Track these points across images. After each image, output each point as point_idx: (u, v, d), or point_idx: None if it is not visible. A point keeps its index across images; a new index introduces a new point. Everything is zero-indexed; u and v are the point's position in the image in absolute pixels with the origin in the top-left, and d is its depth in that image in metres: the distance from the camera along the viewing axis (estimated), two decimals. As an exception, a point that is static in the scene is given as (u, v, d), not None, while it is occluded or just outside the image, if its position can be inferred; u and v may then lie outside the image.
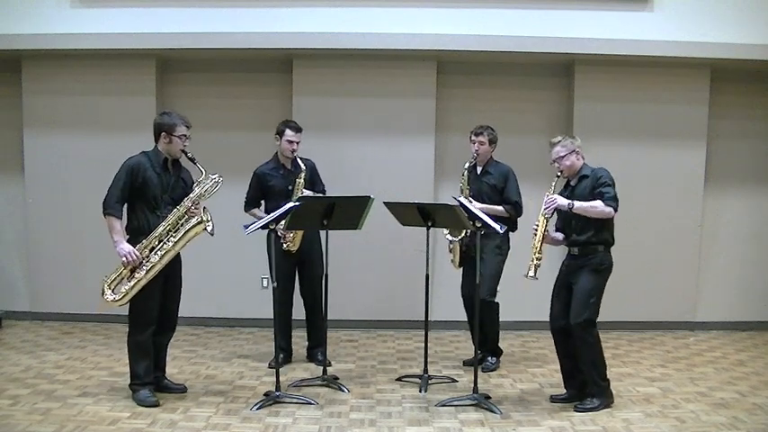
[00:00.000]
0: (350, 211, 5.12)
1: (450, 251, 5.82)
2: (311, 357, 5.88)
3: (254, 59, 7.11)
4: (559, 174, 4.74)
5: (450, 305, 6.81)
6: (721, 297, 7.34)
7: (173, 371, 5.31)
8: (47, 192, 7.10)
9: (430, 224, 5.10)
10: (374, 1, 6.85)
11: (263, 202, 5.78)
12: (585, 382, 4.72)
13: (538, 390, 5.18)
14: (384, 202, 5.19)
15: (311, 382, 5.23)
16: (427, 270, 5.26)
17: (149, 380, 4.72)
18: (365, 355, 6.19)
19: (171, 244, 4.62)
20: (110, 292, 4.64)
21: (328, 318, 5.36)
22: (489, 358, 5.74)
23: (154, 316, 4.71)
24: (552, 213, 4.71)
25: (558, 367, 4.95)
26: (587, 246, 4.64)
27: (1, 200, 7.35)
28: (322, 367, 5.31)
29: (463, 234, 5.64)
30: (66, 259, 7.10)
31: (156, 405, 4.61)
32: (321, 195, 5.64)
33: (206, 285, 6.93)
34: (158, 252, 4.60)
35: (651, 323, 7.19)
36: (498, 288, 5.70)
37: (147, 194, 4.66)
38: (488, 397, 4.86)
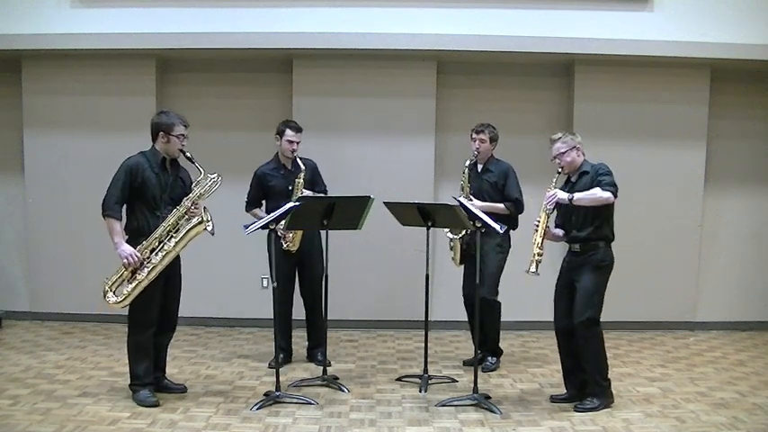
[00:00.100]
0: (350, 211, 5.12)
1: (451, 249, 5.82)
2: (311, 357, 5.88)
3: (254, 59, 7.11)
4: (560, 170, 4.75)
5: (450, 305, 6.81)
6: (721, 297, 7.34)
7: (173, 371, 5.30)
8: (47, 192, 7.10)
9: (430, 224, 5.10)
10: (374, 1, 6.85)
11: (264, 202, 5.79)
12: (586, 381, 4.72)
13: (538, 390, 5.18)
14: (384, 202, 5.19)
15: (311, 382, 5.23)
16: (427, 270, 5.26)
17: (149, 380, 4.72)
18: (365, 355, 6.19)
19: (172, 244, 4.61)
20: (111, 294, 4.63)
21: (328, 318, 5.36)
22: (489, 358, 5.74)
23: (154, 317, 4.70)
24: (553, 209, 4.71)
25: (558, 367, 4.95)
26: (588, 242, 4.64)
27: (1, 200, 7.35)
28: (322, 367, 5.31)
29: (464, 232, 5.64)
30: (66, 259, 7.10)
31: (156, 405, 4.61)
32: (321, 195, 5.64)
33: (206, 285, 6.93)
34: (159, 253, 4.59)
35: (651, 323, 7.19)
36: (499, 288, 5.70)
37: (146, 195, 4.65)
38: (488, 397, 4.86)
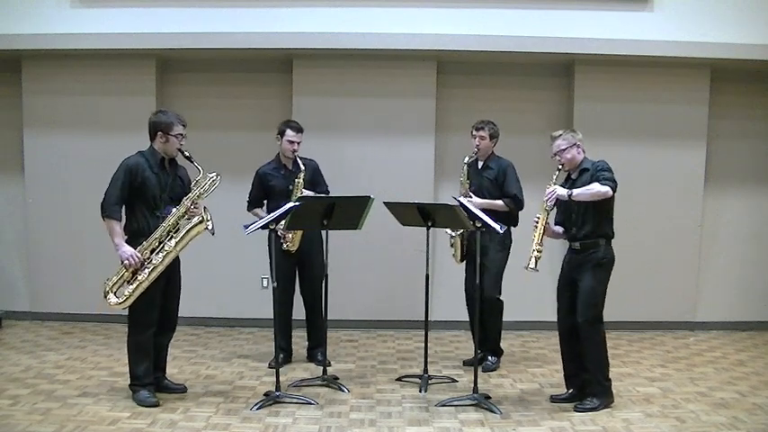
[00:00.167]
0: (350, 211, 5.11)
1: (452, 246, 5.81)
2: (311, 357, 5.88)
3: (254, 59, 7.11)
4: (560, 167, 4.75)
5: (450, 305, 6.82)
6: (721, 297, 7.34)
7: (173, 371, 5.30)
8: (47, 192, 7.10)
9: (430, 224, 5.10)
10: (374, 1, 6.85)
11: (266, 201, 5.79)
12: (586, 381, 4.72)
13: (538, 390, 5.18)
14: (384, 202, 5.19)
15: (311, 382, 5.23)
16: (427, 270, 5.26)
17: (149, 381, 4.72)
18: (365, 355, 6.19)
19: (172, 244, 4.60)
20: (113, 295, 4.61)
21: (328, 318, 5.36)
22: (490, 358, 5.74)
23: (154, 317, 4.70)
24: (553, 205, 4.71)
25: (558, 367, 4.95)
26: (588, 240, 4.64)
27: (1, 200, 7.35)
28: (322, 367, 5.31)
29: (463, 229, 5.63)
30: (66, 259, 7.10)
31: (155, 405, 4.61)
32: (321, 195, 5.64)
33: (206, 285, 6.93)
34: (159, 253, 4.58)
35: (651, 323, 7.19)
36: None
37: (146, 195, 4.64)
38: (488, 397, 4.86)
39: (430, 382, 5.21)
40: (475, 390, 4.76)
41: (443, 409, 4.68)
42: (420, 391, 5.07)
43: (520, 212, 5.67)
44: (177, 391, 4.93)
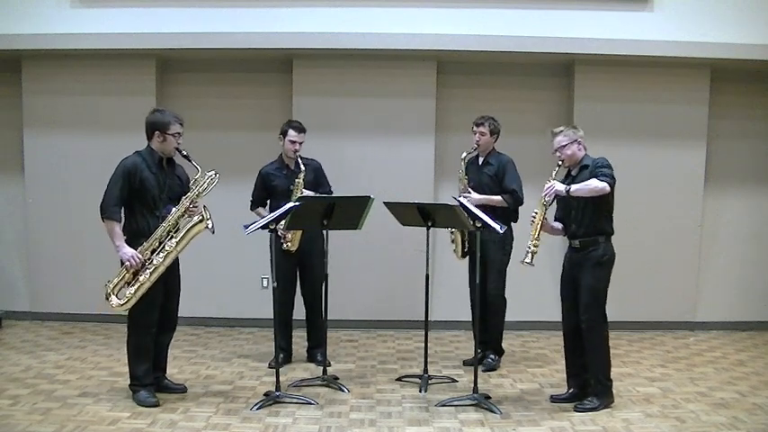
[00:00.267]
0: (350, 211, 5.11)
1: (452, 242, 5.81)
2: (311, 358, 5.88)
3: (254, 59, 7.11)
4: (560, 163, 4.75)
5: (450, 305, 6.83)
6: (721, 297, 7.34)
7: (173, 371, 5.30)
8: (47, 192, 7.10)
9: (430, 224, 5.10)
10: (374, 1, 6.85)
11: (269, 201, 5.79)
12: (587, 381, 4.72)
13: (538, 390, 5.18)
14: (384, 202, 5.19)
15: (311, 382, 5.23)
16: (427, 270, 5.26)
17: (149, 381, 4.71)
18: (365, 355, 6.19)
19: (173, 244, 4.59)
20: (114, 297, 4.60)
21: (328, 318, 5.36)
22: (491, 356, 5.73)
23: (154, 319, 4.69)
24: (552, 201, 4.71)
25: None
26: (587, 237, 4.64)
27: (1, 200, 7.35)
28: (322, 367, 5.30)
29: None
30: (66, 259, 7.10)
31: (155, 405, 4.61)
32: (321, 195, 5.64)
33: (206, 285, 6.93)
34: (160, 253, 4.58)
35: (651, 323, 7.19)
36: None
37: (145, 195, 4.62)
38: (488, 397, 4.86)
39: (430, 382, 5.21)
40: (475, 390, 4.76)
41: (443, 409, 4.68)
42: (420, 391, 5.07)
43: (520, 208, 5.65)
44: (177, 391, 4.93)
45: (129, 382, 4.76)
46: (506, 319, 5.80)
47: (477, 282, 4.96)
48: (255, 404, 4.67)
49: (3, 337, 6.64)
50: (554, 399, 4.88)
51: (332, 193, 5.82)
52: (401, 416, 4.57)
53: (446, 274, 6.90)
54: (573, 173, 4.78)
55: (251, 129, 7.13)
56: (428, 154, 7.10)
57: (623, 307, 6.68)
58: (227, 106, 7.20)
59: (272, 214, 4.89)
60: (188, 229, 4.64)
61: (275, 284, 4.90)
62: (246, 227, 4.71)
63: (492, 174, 5.67)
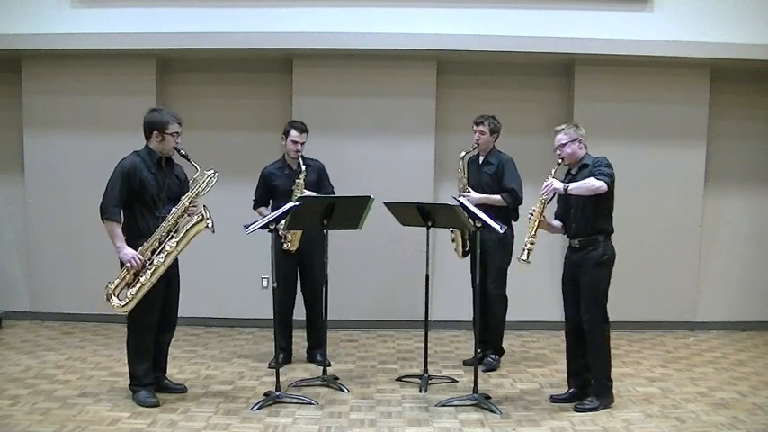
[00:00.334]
0: (350, 211, 5.11)
1: (453, 241, 5.80)
2: (311, 358, 5.88)
3: (254, 59, 7.11)
4: (560, 161, 4.74)
5: (450, 305, 6.83)
6: (721, 297, 7.34)
7: (173, 371, 5.30)
8: (47, 192, 7.10)
9: (430, 224, 5.10)
10: (374, 1, 6.85)
11: (271, 201, 5.80)
12: (588, 381, 4.72)
13: (538, 390, 5.18)
14: (384, 202, 5.19)
15: (311, 382, 5.23)
16: (427, 270, 5.26)
17: (149, 381, 4.71)
18: (365, 355, 6.19)
19: (173, 244, 4.59)
20: (115, 298, 4.59)
21: (328, 318, 5.36)
22: (491, 355, 5.73)
23: (154, 320, 4.69)
24: (551, 199, 4.71)
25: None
26: (587, 236, 4.64)
27: (1, 200, 7.35)
28: (322, 367, 5.30)
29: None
30: (66, 259, 7.10)
31: (155, 405, 4.61)
32: (321, 195, 5.64)
33: (206, 285, 6.94)
34: (161, 254, 4.57)
35: (651, 323, 7.19)
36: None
37: (144, 196, 4.61)
38: (488, 397, 4.86)
39: (430, 382, 5.21)
40: (475, 390, 4.76)
41: (443, 409, 4.68)
42: (420, 391, 5.07)
43: (520, 207, 5.63)
44: (177, 391, 4.93)
45: (129, 382, 4.76)
46: (507, 319, 5.79)
47: (478, 281, 4.96)
48: (255, 404, 4.67)
49: (3, 337, 6.65)
50: (554, 399, 4.88)
51: (334, 194, 5.82)
52: (401, 416, 4.57)
53: (446, 274, 6.90)
54: (573, 171, 4.78)
55: (251, 129, 7.13)
56: (428, 154, 7.10)
57: (623, 307, 6.67)
58: (227, 106, 7.20)
59: (271, 214, 4.90)
60: (188, 229, 4.64)
61: (275, 284, 4.90)
62: (246, 227, 4.71)
63: (492, 173, 5.67)
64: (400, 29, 6.74)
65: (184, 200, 4.67)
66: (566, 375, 4.92)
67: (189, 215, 4.67)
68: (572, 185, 4.56)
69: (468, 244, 5.69)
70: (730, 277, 7.37)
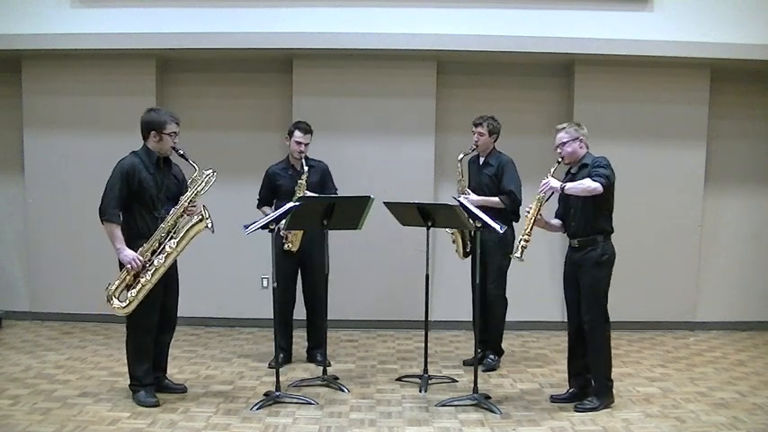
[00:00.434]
0: (350, 211, 5.11)
1: (453, 242, 5.80)
2: (311, 358, 5.88)
3: (254, 59, 7.11)
4: (560, 160, 4.74)
5: (450, 305, 6.83)
6: (721, 297, 7.34)
7: (173, 371, 5.30)
8: (47, 192, 7.10)
9: (430, 224, 5.10)
10: (374, 1, 6.85)
11: (275, 200, 5.80)
12: (588, 381, 4.72)
13: (538, 390, 5.18)
14: (384, 202, 5.19)
15: (311, 382, 5.23)
16: (427, 270, 5.26)
17: (149, 381, 4.71)
18: (365, 355, 6.19)
19: (173, 244, 4.58)
20: (116, 300, 4.58)
21: (328, 318, 5.36)
22: (491, 355, 5.73)
23: (154, 321, 4.68)
24: (548, 197, 4.70)
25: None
26: (586, 236, 4.63)
27: (1, 200, 7.35)
28: (322, 367, 5.30)
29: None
30: (66, 259, 7.10)
31: (155, 405, 4.61)
32: (321, 195, 5.64)
33: (206, 285, 6.94)
34: (161, 255, 4.56)
35: (651, 323, 7.19)
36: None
37: (143, 197, 4.60)
38: (488, 397, 4.86)
39: (430, 382, 5.21)
40: (475, 390, 4.76)
41: (443, 409, 4.68)
42: (420, 391, 5.07)
43: (518, 208, 5.60)
44: (177, 391, 4.93)
45: (129, 382, 4.76)
46: (507, 319, 5.79)
47: (478, 282, 4.96)
48: (255, 404, 4.67)
49: (3, 337, 6.65)
50: (554, 399, 4.88)
51: (336, 195, 5.81)
52: (401, 416, 4.57)
53: (446, 274, 6.90)
54: (572, 171, 4.77)
55: (251, 129, 7.13)
56: (428, 154, 7.10)
57: (623, 307, 6.66)
58: (227, 106, 7.20)
59: (271, 214, 4.90)
60: (188, 229, 4.63)
61: (275, 284, 4.90)
62: (246, 227, 4.71)
63: (492, 174, 5.66)
64: (400, 29, 6.74)
65: (183, 200, 4.66)
66: (566, 375, 4.92)
67: (188, 215, 4.66)
68: (569, 185, 4.56)
69: (468, 244, 5.69)
70: (730, 277, 7.37)
